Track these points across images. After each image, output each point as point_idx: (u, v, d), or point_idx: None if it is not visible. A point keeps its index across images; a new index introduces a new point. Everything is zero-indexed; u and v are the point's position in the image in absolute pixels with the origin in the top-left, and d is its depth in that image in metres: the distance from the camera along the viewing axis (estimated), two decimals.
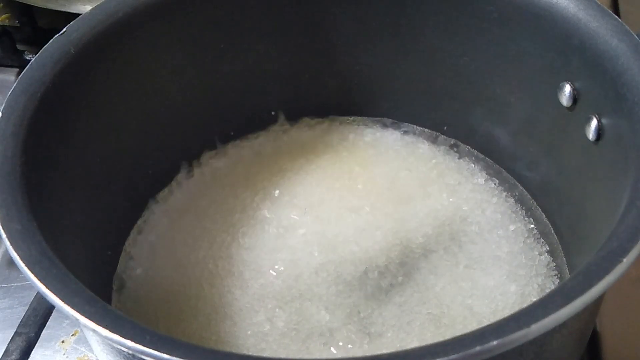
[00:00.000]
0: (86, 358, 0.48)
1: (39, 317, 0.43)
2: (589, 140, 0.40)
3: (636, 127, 0.35)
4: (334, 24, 0.50)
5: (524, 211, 0.49)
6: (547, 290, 0.44)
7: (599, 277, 0.29)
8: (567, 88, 0.42)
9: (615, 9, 0.70)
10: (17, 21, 0.70)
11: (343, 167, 0.52)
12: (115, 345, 0.28)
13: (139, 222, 0.49)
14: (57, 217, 0.37)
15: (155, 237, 0.49)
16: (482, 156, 0.52)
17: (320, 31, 0.50)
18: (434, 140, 0.53)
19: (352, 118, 0.55)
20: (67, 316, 0.30)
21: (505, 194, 0.50)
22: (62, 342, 0.49)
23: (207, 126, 0.52)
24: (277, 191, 0.50)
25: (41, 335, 0.43)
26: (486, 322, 0.28)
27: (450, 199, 0.49)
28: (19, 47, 0.67)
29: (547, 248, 0.46)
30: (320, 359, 0.41)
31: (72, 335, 0.49)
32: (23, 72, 0.40)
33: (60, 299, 0.30)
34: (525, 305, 0.29)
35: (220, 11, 0.47)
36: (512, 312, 0.29)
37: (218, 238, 0.48)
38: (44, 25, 0.69)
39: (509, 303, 0.43)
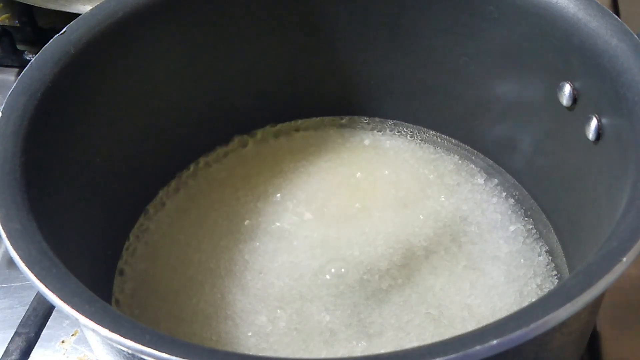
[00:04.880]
0: (86, 358, 0.48)
1: (39, 317, 0.43)
2: (589, 140, 0.40)
3: (636, 127, 0.35)
4: (334, 24, 0.50)
5: (523, 211, 0.49)
6: (546, 291, 0.44)
7: (599, 277, 0.29)
8: (567, 88, 0.42)
9: (615, 9, 0.70)
10: (17, 21, 0.70)
11: (344, 169, 0.52)
12: (115, 345, 0.28)
13: (140, 221, 0.49)
14: (57, 217, 0.37)
15: (156, 237, 0.49)
16: (482, 156, 0.52)
17: (320, 31, 0.50)
18: (433, 141, 0.53)
19: (352, 118, 0.55)
20: (67, 316, 0.30)
21: (505, 194, 0.50)
22: (62, 342, 0.49)
23: (207, 126, 0.52)
24: (279, 194, 0.50)
25: (41, 335, 0.43)
26: (485, 322, 0.28)
27: (451, 200, 0.49)
28: (19, 47, 0.67)
29: (547, 248, 0.46)
30: (321, 358, 0.41)
31: (72, 335, 0.49)
32: (23, 72, 0.39)
33: (60, 298, 0.30)
34: (523, 305, 0.29)
35: (220, 11, 0.47)
36: (510, 312, 0.29)
37: (219, 239, 0.48)
38: (44, 25, 0.69)
39: (508, 303, 0.43)
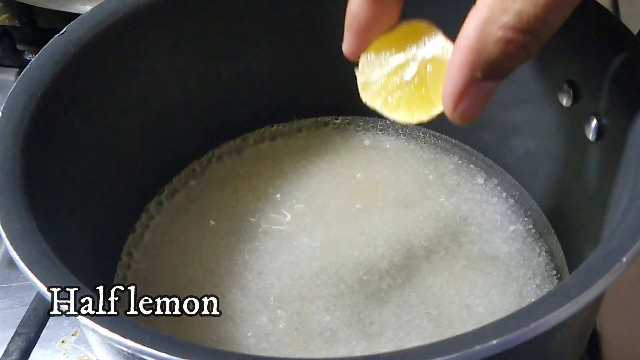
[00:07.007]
0: (86, 358, 0.48)
1: (39, 317, 0.43)
2: (589, 140, 0.40)
3: (636, 127, 0.35)
4: (335, 24, 0.50)
5: (523, 211, 0.49)
6: (546, 291, 0.44)
7: (599, 277, 0.29)
8: (567, 88, 0.42)
9: (615, 9, 0.70)
10: (17, 21, 0.70)
11: (344, 169, 0.52)
12: (115, 345, 0.28)
13: (140, 221, 0.49)
14: (57, 217, 0.37)
15: (156, 237, 0.49)
16: (482, 156, 0.52)
17: (321, 31, 0.50)
18: (433, 141, 0.53)
19: (352, 118, 0.55)
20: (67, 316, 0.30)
21: (505, 194, 0.50)
22: (62, 342, 0.49)
23: (207, 126, 0.52)
24: (279, 194, 0.50)
25: (41, 335, 0.43)
26: (485, 322, 0.28)
27: (451, 200, 0.49)
28: (19, 47, 0.67)
29: (547, 248, 0.46)
30: (321, 358, 0.41)
31: (72, 335, 0.49)
32: (23, 72, 0.39)
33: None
34: (523, 305, 0.29)
35: (220, 11, 0.47)
36: (510, 312, 0.29)
37: (219, 239, 0.48)
38: (44, 25, 0.69)
39: (507, 303, 0.44)
